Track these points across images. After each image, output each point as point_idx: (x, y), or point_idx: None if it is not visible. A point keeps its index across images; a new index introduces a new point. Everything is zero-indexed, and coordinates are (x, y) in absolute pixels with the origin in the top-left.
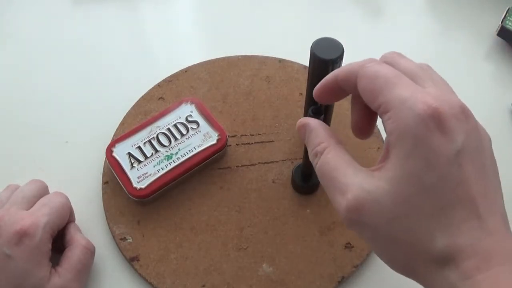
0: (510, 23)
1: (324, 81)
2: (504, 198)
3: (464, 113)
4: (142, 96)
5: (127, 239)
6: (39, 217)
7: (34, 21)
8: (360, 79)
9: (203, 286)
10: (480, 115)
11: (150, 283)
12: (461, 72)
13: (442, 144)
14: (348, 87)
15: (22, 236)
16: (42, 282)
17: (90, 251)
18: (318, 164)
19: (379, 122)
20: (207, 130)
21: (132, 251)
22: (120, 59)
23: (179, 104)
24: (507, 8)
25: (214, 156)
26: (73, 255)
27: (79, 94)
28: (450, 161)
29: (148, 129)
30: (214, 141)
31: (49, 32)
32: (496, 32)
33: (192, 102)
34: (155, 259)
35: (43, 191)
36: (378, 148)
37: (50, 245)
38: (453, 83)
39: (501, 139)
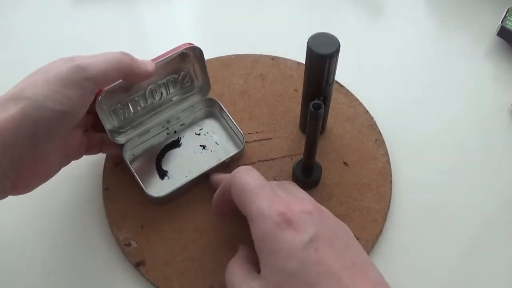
0: (510, 23)
1: (215, 199)
2: (504, 198)
3: (318, 210)
4: None
5: (131, 245)
6: None
7: (34, 21)
8: (232, 188)
9: (211, 286)
10: (480, 115)
11: (158, 287)
12: (461, 72)
13: (293, 236)
14: (229, 196)
15: None
16: None
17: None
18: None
19: (374, 114)
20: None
21: (137, 256)
22: None
23: None
24: (507, 8)
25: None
26: None
27: None
28: (305, 247)
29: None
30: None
31: (48, 31)
32: (496, 32)
33: None
34: (161, 262)
35: None
36: (376, 140)
37: None
38: (453, 83)
39: (501, 139)
